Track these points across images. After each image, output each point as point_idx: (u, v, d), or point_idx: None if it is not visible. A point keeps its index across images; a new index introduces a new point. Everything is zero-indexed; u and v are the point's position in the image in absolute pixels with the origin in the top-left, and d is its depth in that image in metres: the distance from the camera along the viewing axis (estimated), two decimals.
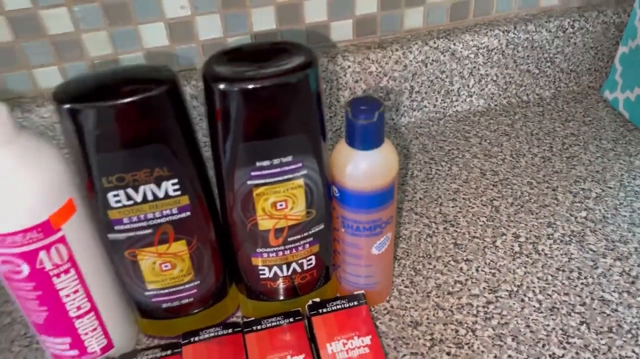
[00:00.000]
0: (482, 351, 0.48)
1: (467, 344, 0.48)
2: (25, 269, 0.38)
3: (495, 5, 0.72)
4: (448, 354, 0.48)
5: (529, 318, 0.50)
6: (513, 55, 0.73)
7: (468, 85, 0.74)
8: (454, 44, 0.70)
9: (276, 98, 0.36)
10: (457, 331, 0.50)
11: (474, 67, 0.72)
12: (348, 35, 0.69)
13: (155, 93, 0.36)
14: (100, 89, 0.36)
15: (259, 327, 0.48)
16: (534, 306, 0.51)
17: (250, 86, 0.35)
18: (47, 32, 0.59)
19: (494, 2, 0.72)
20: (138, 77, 0.37)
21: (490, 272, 0.55)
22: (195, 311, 0.47)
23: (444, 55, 0.70)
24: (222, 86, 0.35)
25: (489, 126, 0.73)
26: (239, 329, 0.48)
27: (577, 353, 0.47)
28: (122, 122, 0.36)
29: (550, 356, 0.47)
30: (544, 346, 0.48)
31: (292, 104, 0.37)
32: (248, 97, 0.36)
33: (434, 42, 0.69)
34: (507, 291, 0.53)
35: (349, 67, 0.67)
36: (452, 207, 0.62)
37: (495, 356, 0.47)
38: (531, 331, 0.49)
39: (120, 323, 0.47)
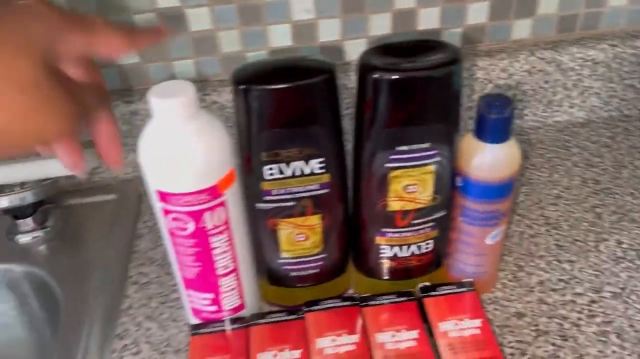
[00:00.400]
0: (587, 345, 0.50)
1: (572, 337, 0.51)
2: (191, 226, 0.44)
3: (603, 19, 0.74)
4: (553, 345, 0.50)
5: (632, 319, 0.52)
6: (618, 70, 0.74)
7: (570, 97, 0.76)
8: (561, 56, 0.72)
9: (423, 89, 0.40)
10: (561, 324, 0.52)
11: (578, 79, 0.74)
12: (457, 43, 0.72)
13: (317, 80, 0.41)
14: (271, 74, 0.41)
15: (374, 302, 0.52)
16: (638, 308, 0.53)
17: (401, 77, 0.40)
18: (190, 28, 0.66)
19: (602, 16, 0.73)
20: (303, 65, 0.42)
21: (593, 273, 0.57)
22: (318, 282, 0.52)
23: (550, 66, 0.73)
24: (375, 75, 0.40)
25: (589, 137, 0.75)
26: (356, 302, 0.52)
27: None
28: (287, 104, 0.41)
29: None
30: None
31: (436, 96, 0.41)
32: (398, 86, 0.40)
33: (541, 53, 0.72)
34: (610, 292, 0.54)
35: None
36: (554, 211, 0.64)
37: (600, 351, 0.49)
38: (635, 331, 0.51)
39: (252, 287, 0.52)
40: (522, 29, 0.73)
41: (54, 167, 0.62)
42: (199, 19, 0.65)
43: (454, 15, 0.70)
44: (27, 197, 0.62)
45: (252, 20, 0.66)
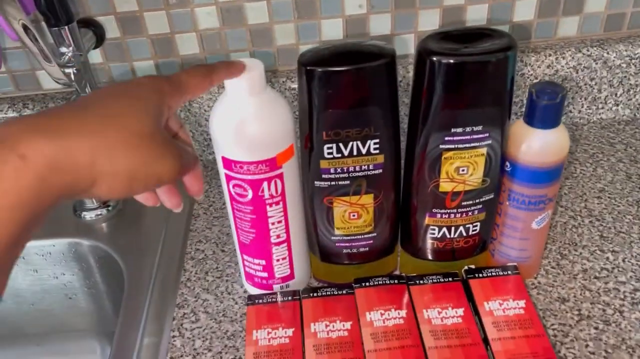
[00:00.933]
0: (630, 330, 0.51)
1: (614, 322, 0.52)
2: (250, 194, 0.47)
3: None
4: (596, 328, 0.52)
5: None
6: None
7: (616, 94, 0.77)
8: (607, 53, 0.73)
9: (478, 74, 0.43)
10: (604, 310, 0.53)
11: (625, 76, 0.75)
12: None
13: (378, 64, 0.43)
14: (334, 57, 0.44)
15: (421, 281, 0.54)
16: None
17: (458, 61, 0.42)
18: (247, 21, 0.70)
19: None
20: (364, 50, 0.45)
21: (637, 264, 0.58)
22: (367, 261, 0.55)
23: (596, 63, 0.74)
24: (434, 58, 0.42)
25: (634, 134, 0.76)
26: (404, 281, 0.54)
27: None
28: (348, 85, 0.44)
29: None
30: None
31: (491, 80, 0.43)
32: (455, 70, 0.43)
33: (587, 50, 0.73)
34: None
35: None
36: (597, 204, 0.65)
37: None
38: None
39: (302, 260, 0.55)
40: (569, 26, 0.74)
41: None
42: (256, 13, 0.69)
43: (501, 12, 0.71)
44: None
45: (307, 14, 0.69)
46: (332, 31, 0.71)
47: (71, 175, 0.30)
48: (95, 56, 0.71)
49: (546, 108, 0.46)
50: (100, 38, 0.65)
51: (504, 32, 0.45)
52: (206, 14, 0.69)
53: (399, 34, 0.72)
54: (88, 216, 0.69)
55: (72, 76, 0.58)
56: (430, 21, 0.71)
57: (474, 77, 0.43)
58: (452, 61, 0.42)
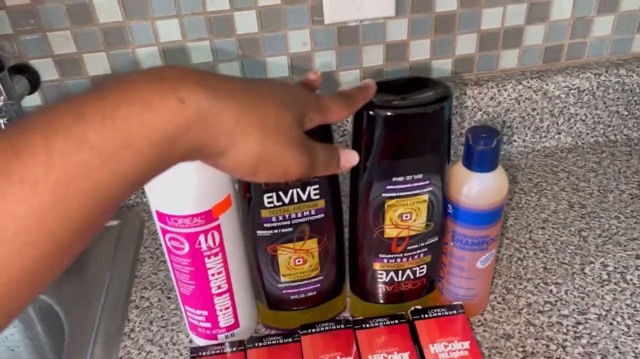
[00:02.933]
0: None
1: (557, 358, 0.53)
2: (187, 247, 0.46)
3: (587, 50, 0.77)
4: None
5: (617, 340, 0.54)
6: (603, 97, 0.77)
7: (557, 123, 0.79)
8: (547, 84, 0.75)
9: (416, 124, 0.43)
10: (548, 346, 0.54)
11: (565, 106, 0.77)
12: (446, 72, 0.75)
13: None
14: None
15: (368, 325, 0.54)
16: (623, 330, 0.55)
17: (395, 113, 0.43)
18: (191, 61, 0.69)
19: (587, 47, 0.77)
20: None
21: (579, 296, 0.59)
22: (315, 305, 0.54)
23: (537, 94, 0.76)
24: (371, 112, 0.43)
25: (576, 162, 0.78)
26: (350, 325, 0.54)
27: None
28: None
29: None
30: None
31: (428, 130, 0.44)
32: (393, 122, 0.43)
33: (528, 82, 0.75)
34: (596, 314, 0.57)
35: None
36: (542, 234, 0.67)
37: None
38: (620, 353, 0.53)
39: (247, 308, 0.54)
40: (509, 58, 0.76)
41: None
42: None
43: (443, 47, 0.73)
44: None
45: (250, 53, 0.69)
46: (278, 69, 0.71)
47: (210, 134, 0.30)
48: (34, 99, 0.69)
49: (482, 153, 0.46)
50: (34, 83, 0.63)
51: (440, 81, 0.45)
52: (149, 54, 0.68)
53: (344, 69, 0.73)
54: None
55: (2, 126, 0.56)
56: (374, 57, 0.72)
57: (411, 128, 0.43)
58: (389, 114, 0.43)
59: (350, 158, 0.41)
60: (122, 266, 0.66)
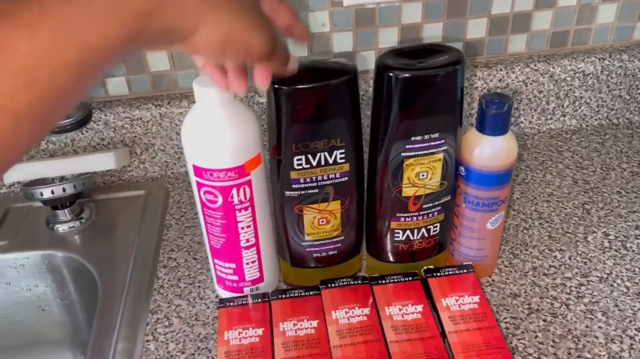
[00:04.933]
0: (575, 321, 0.55)
1: (561, 314, 0.56)
2: (220, 200, 0.50)
3: (592, 36, 0.81)
4: (544, 321, 0.56)
5: (617, 299, 0.57)
6: (607, 81, 0.81)
7: (563, 106, 0.82)
8: (553, 67, 0.79)
9: (432, 86, 0.47)
10: (552, 304, 0.58)
11: (570, 89, 0.81)
12: None
13: (341, 80, 0.47)
14: (301, 75, 0.47)
15: (383, 281, 0.58)
16: (622, 291, 0.58)
17: (413, 75, 0.46)
18: None
19: (592, 33, 0.80)
20: (329, 67, 0.49)
21: (582, 261, 0.62)
22: (335, 263, 0.58)
23: (543, 77, 0.79)
24: (391, 73, 0.46)
25: (580, 143, 0.81)
26: (367, 281, 0.58)
27: None
28: (314, 101, 0.47)
29: (636, 329, 0.54)
30: (630, 321, 0.55)
31: (444, 91, 0.47)
32: (411, 83, 0.47)
33: (535, 65, 0.79)
34: (597, 277, 0.60)
35: None
36: (547, 207, 0.70)
37: (587, 326, 0.55)
38: (619, 310, 0.56)
39: (271, 264, 0.58)
40: (518, 43, 0.80)
41: (92, 161, 0.69)
42: None
43: (455, 30, 0.77)
44: (68, 188, 0.68)
45: None
46: (297, 49, 0.75)
47: (179, 14, 0.31)
48: None
49: (495, 117, 0.50)
50: None
51: (453, 48, 0.49)
52: None
53: (360, 50, 0.77)
54: (61, 228, 0.71)
55: None
56: (389, 39, 0.76)
57: (428, 89, 0.47)
58: (407, 75, 0.47)
59: (294, 61, 0.42)
60: (149, 230, 0.70)
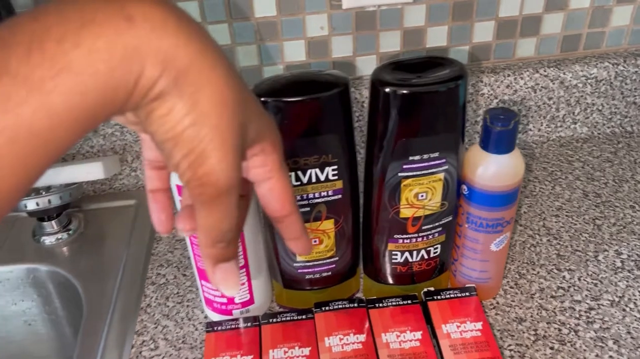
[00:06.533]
0: (585, 350, 0.52)
1: (569, 342, 0.53)
2: None
3: (605, 39, 0.77)
4: (551, 349, 0.52)
5: (630, 326, 0.54)
6: (621, 87, 0.77)
7: (573, 113, 0.79)
8: (564, 73, 0.75)
9: (432, 102, 0.44)
10: (560, 329, 0.54)
11: (581, 96, 0.77)
12: (463, 59, 0.75)
13: (332, 93, 0.44)
14: (289, 87, 0.45)
15: (381, 304, 0.54)
16: (635, 316, 0.55)
17: (411, 91, 0.43)
18: None
19: (605, 36, 0.76)
20: (319, 79, 0.46)
21: (592, 282, 0.59)
22: (329, 285, 0.55)
23: (553, 83, 0.75)
24: (387, 90, 0.43)
25: (591, 152, 0.78)
26: (363, 304, 0.54)
27: None
28: (304, 115, 0.44)
29: None
30: None
31: (444, 108, 0.44)
32: (409, 100, 0.43)
33: (545, 70, 0.75)
34: (608, 300, 0.57)
35: None
36: (555, 222, 0.67)
37: (597, 355, 0.51)
38: (632, 338, 0.53)
39: (262, 286, 0.55)
40: (527, 47, 0.76)
41: (79, 171, 0.66)
42: (218, 34, 0.69)
43: (460, 34, 0.73)
44: (53, 200, 0.65)
45: (269, 37, 0.70)
46: (295, 53, 0.71)
47: (162, 67, 0.24)
48: None
49: (500, 134, 0.46)
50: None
51: (455, 61, 0.46)
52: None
53: (360, 55, 0.73)
54: (48, 240, 0.68)
55: None
56: (391, 43, 0.72)
57: (427, 107, 0.44)
58: (405, 92, 0.43)
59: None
60: (139, 244, 0.67)
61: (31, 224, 0.69)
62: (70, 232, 0.69)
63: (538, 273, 0.60)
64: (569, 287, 0.58)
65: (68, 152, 0.73)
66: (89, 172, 0.66)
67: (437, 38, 0.73)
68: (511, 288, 0.59)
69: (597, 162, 0.76)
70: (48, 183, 0.66)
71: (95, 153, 0.74)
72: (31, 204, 0.64)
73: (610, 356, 0.51)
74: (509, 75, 0.74)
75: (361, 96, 0.71)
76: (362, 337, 0.51)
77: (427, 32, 0.72)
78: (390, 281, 0.55)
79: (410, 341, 0.51)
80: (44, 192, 0.65)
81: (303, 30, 0.70)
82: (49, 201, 0.65)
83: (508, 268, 0.61)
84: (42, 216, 0.67)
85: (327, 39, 0.71)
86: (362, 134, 0.70)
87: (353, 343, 0.51)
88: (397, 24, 0.71)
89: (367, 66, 0.74)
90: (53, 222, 0.68)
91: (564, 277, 0.60)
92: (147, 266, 0.64)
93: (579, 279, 0.59)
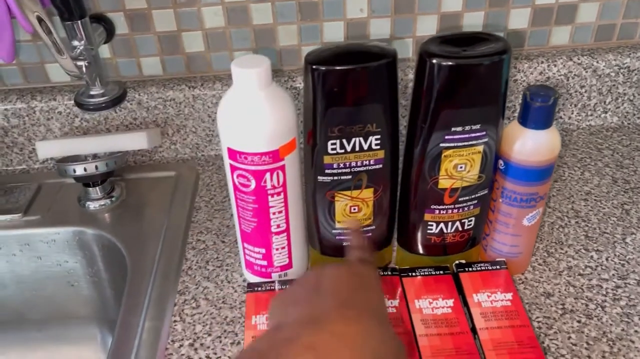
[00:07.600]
0: (611, 324, 0.54)
1: (596, 316, 0.55)
2: (253, 184, 0.50)
3: (639, 30, 0.78)
4: (578, 322, 0.54)
5: None
6: None
7: (605, 102, 0.80)
8: (597, 62, 0.76)
9: (476, 75, 0.46)
10: (587, 305, 0.56)
11: (613, 85, 0.78)
12: None
13: (380, 63, 0.46)
14: (339, 57, 0.47)
15: (414, 274, 0.57)
16: None
17: (457, 63, 0.45)
18: (252, 22, 0.72)
19: (639, 27, 0.77)
20: (368, 50, 0.48)
21: (619, 262, 0.60)
22: None
23: (586, 72, 0.77)
24: (435, 61, 0.45)
25: (621, 141, 0.79)
26: (397, 272, 0.57)
27: None
28: (352, 83, 0.46)
29: None
30: None
31: (488, 81, 0.46)
32: (455, 72, 0.45)
33: (578, 59, 0.76)
34: (635, 280, 0.58)
35: None
36: (584, 205, 0.68)
37: (623, 329, 0.53)
38: None
39: (300, 250, 0.57)
40: (561, 35, 0.77)
41: (124, 140, 0.69)
42: (260, 14, 0.71)
43: (497, 19, 0.74)
44: (100, 166, 0.68)
45: (310, 17, 0.72)
46: (334, 34, 0.74)
47: None
48: (104, 51, 0.73)
49: (539, 110, 0.48)
50: (110, 33, 0.68)
51: (500, 37, 0.48)
52: (212, 13, 0.71)
53: (398, 38, 0.75)
54: (92, 205, 0.71)
55: (84, 69, 0.60)
56: (428, 26, 0.74)
57: (472, 79, 0.46)
58: (452, 63, 0.45)
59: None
60: (179, 212, 0.70)
61: (76, 190, 0.72)
62: (113, 199, 0.72)
63: (566, 252, 0.62)
64: (597, 266, 0.60)
65: (112, 123, 0.76)
66: (134, 141, 0.69)
67: (473, 23, 0.74)
68: (539, 265, 0.60)
69: (626, 150, 0.77)
70: (95, 151, 0.69)
71: (138, 125, 0.77)
72: (79, 169, 0.67)
73: (636, 331, 0.53)
74: (542, 62, 0.76)
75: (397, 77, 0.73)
76: (395, 302, 0.53)
77: (464, 16, 0.74)
78: (423, 251, 0.57)
79: (443, 307, 0.53)
80: (90, 159, 0.68)
81: (343, 11, 0.72)
82: (96, 167, 0.68)
83: (537, 247, 0.62)
84: (87, 181, 0.71)
85: (365, 21, 0.73)
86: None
87: (387, 307, 0.53)
88: (435, 8, 0.73)
89: (403, 49, 0.76)
90: (97, 188, 0.71)
91: (591, 257, 0.61)
92: (187, 232, 0.67)
93: (607, 260, 0.61)
